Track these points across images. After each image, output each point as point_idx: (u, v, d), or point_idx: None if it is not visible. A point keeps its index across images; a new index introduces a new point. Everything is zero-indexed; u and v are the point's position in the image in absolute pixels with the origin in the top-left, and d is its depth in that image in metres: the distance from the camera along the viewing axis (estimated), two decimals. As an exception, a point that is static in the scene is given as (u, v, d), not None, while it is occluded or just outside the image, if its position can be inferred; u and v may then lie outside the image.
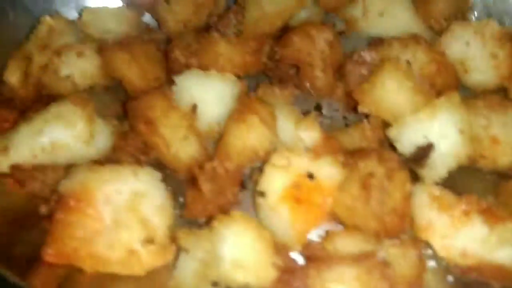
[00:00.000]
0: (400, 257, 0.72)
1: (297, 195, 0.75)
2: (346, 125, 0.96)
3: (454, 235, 0.72)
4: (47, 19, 0.98)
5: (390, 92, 0.82)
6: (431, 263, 0.77)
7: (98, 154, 0.90)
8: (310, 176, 0.75)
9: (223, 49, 0.93)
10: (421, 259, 0.73)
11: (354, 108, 0.97)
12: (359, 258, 0.65)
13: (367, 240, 0.73)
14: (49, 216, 0.82)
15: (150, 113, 0.86)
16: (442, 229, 0.73)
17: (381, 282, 0.63)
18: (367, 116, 0.91)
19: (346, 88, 0.96)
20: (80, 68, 0.96)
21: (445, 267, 0.77)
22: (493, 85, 0.95)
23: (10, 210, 0.85)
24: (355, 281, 0.63)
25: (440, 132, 0.79)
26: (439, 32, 1.02)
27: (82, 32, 1.03)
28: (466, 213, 0.71)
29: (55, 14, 1.02)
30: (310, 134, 0.83)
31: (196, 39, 0.97)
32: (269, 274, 0.64)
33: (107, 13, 1.03)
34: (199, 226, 0.80)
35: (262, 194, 0.77)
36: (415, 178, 0.82)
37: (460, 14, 1.02)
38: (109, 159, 0.89)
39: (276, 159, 0.78)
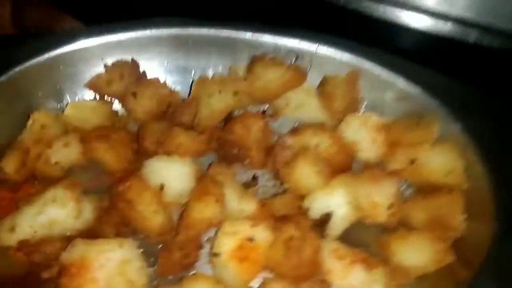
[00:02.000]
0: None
1: (241, 255, 1.06)
2: (276, 192, 1.30)
3: (345, 277, 1.06)
4: (40, 116, 1.22)
5: (304, 175, 1.17)
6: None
7: (84, 225, 1.15)
8: (250, 239, 1.07)
9: (183, 140, 1.22)
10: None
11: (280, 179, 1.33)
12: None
13: (292, 284, 1.06)
14: (50, 280, 1.08)
15: (128, 194, 1.13)
16: (339, 273, 1.07)
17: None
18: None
19: (274, 165, 1.30)
20: (66, 155, 1.21)
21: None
22: (376, 161, 1.33)
23: (15, 276, 1.08)
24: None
25: (337, 203, 1.15)
26: (338, 121, 1.40)
27: (65, 123, 1.28)
28: (353, 262, 1.06)
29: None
30: (249, 206, 1.16)
31: (161, 131, 1.26)
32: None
33: (86, 107, 1.29)
34: (168, 281, 1.09)
35: (216, 254, 1.08)
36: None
37: (353, 106, 1.41)
38: (95, 230, 1.15)
39: (226, 227, 1.10)
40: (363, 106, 1.41)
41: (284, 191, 1.28)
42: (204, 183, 1.14)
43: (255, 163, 1.32)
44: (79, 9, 1.46)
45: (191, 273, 1.11)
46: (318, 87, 1.42)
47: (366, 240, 1.19)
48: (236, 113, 1.39)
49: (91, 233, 1.14)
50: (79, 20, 1.43)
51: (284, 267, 1.06)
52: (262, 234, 1.09)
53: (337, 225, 1.15)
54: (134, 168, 1.25)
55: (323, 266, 1.09)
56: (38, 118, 1.22)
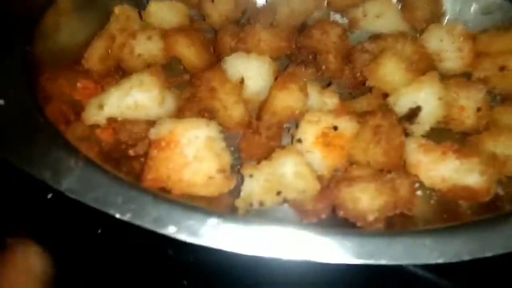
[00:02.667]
0: (399, 184, 1.02)
1: (326, 141, 1.04)
2: (353, 98, 1.27)
3: (435, 168, 1.02)
4: (125, 9, 1.23)
5: (389, 71, 1.13)
6: (418, 192, 1.08)
7: (166, 113, 1.16)
8: (335, 128, 1.05)
9: (264, 36, 1.22)
10: (413, 186, 1.04)
11: (357, 86, 1.29)
12: (376, 178, 0.94)
13: (376, 174, 1.03)
14: (136, 157, 1.10)
15: (212, 83, 1.13)
16: (428, 165, 1.04)
17: (390, 192, 0.93)
18: (370, 90, 1.22)
19: (352, 70, 1.27)
20: (149, 48, 1.22)
21: (428, 194, 1.08)
22: (460, 71, 1.28)
23: (101, 152, 1.10)
24: (374, 191, 0.92)
25: (425, 98, 1.10)
26: (419, 31, 1.36)
27: (144, 20, 1.29)
28: (444, 153, 1.02)
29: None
30: (331, 100, 1.13)
31: (241, 29, 1.25)
32: (316, 185, 0.94)
33: (166, 6, 1.30)
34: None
35: (299, 140, 1.06)
36: (406, 134, 1.13)
37: (435, 18, 1.36)
38: (177, 117, 1.16)
39: (310, 116, 1.08)
40: (445, 20, 1.36)
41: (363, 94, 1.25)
42: (285, 75, 1.12)
43: (332, 69, 1.28)
44: None
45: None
46: (397, -3, 1.39)
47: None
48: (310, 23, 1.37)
49: (173, 120, 1.15)
50: None
51: (370, 155, 1.03)
52: (346, 124, 1.06)
53: (424, 121, 1.11)
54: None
55: (408, 160, 1.06)
56: (123, 10, 1.23)
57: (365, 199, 0.93)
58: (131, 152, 1.08)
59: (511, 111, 1.14)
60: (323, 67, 1.29)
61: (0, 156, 0.89)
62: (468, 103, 1.15)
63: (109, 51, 1.19)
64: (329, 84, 1.30)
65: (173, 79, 1.25)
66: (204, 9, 1.34)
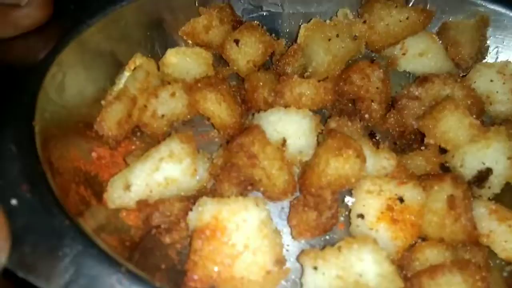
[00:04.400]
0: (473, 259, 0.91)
1: (393, 216, 0.91)
2: (401, 151, 1.14)
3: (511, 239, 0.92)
4: (144, 62, 1.06)
5: (452, 127, 1.01)
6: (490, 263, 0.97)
7: (199, 185, 1.01)
8: (401, 199, 0.92)
9: (305, 89, 1.07)
10: (488, 261, 0.93)
11: (404, 135, 1.17)
12: (461, 266, 0.82)
13: (447, 249, 0.91)
14: (172, 244, 0.94)
15: (252, 149, 0.98)
16: (502, 236, 0.93)
17: (480, 282, 0.81)
18: (423, 142, 1.10)
19: (399, 118, 1.14)
20: (172, 107, 1.06)
21: (500, 265, 0.97)
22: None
23: (131, 241, 0.94)
24: (464, 284, 0.80)
25: (493, 158, 0.99)
26: (464, 69, 1.24)
27: (164, 72, 1.12)
28: (519, 223, 0.92)
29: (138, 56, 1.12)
30: (389, 162, 1.00)
31: (273, 81, 1.10)
32: (400, 283, 0.81)
33: (188, 54, 1.13)
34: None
35: (361, 216, 0.93)
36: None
37: (480, 55, 1.24)
38: (213, 189, 1.00)
39: (369, 185, 0.95)
40: (489, 54, 1.25)
41: (410, 148, 1.13)
42: (338, 137, 0.98)
43: (375, 117, 1.15)
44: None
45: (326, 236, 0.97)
46: (437, 33, 1.26)
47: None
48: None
49: (209, 194, 0.99)
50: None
51: (446, 231, 0.91)
52: (412, 193, 0.93)
53: (494, 184, 1.00)
54: (242, 123, 1.11)
55: (480, 229, 0.95)
56: (141, 65, 1.06)
57: (454, 294, 0.81)
58: (167, 239, 0.92)
59: None
60: (366, 115, 1.16)
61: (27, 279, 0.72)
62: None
63: (129, 114, 1.02)
64: (371, 135, 1.18)
65: (200, 139, 1.10)
66: (228, 54, 1.18)
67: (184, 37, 1.21)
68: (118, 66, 1.13)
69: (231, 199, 0.89)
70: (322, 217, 0.93)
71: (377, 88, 1.15)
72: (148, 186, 0.93)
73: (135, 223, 0.95)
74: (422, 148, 1.08)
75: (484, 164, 0.99)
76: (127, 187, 0.92)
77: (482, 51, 1.24)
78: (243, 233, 0.85)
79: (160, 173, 0.94)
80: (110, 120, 1.02)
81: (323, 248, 0.88)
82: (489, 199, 1.01)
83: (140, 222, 0.94)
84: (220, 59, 1.23)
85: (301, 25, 1.22)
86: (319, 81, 1.10)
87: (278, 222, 1.02)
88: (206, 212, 0.87)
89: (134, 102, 1.02)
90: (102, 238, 0.85)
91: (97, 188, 0.96)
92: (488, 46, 1.25)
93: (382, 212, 0.92)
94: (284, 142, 1.03)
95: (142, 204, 0.92)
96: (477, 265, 0.85)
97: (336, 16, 1.25)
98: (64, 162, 0.93)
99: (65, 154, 0.95)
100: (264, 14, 1.31)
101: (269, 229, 0.88)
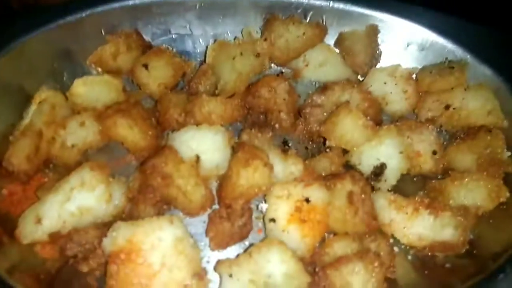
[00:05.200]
0: (378, 248, 1.00)
1: (301, 217, 0.98)
2: (312, 154, 1.22)
3: (411, 225, 1.01)
4: (48, 95, 1.06)
5: (347, 130, 1.10)
6: (395, 249, 1.06)
7: (116, 210, 1.02)
8: (307, 200, 0.99)
9: (214, 107, 1.12)
10: (391, 247, 1.02)
11: (312, 140, 1.25)
12: (361, 255, 0.90)
13: (353, 241, 0.99)
14: (90, 272, 0.94)
15: (165, 169, 1.01)
16: (402, 223, 1.02)
17: (379, 268, 0.90)
18: (325, 145, 1.19)
19: (306, 125, 1.22)
20: (83, 136, 1.07)
21: (405, 250, 1.07)
22: (407, 112, 1.29)
23: (48, 273, 0.93)
24: (364, 271, 0.88)
25: (387, 154, 1.10)
26: (362, 75, 1.36)
27: (73, 102, 1.13)
28: (416, 210, 1.01)
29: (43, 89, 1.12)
30: (296, 167, 1.07)
31: (184, 101, 1.15)
32: (307, 278, 0.87)
33: (95, 83, 1.15)
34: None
35: (272, 220, 0.99)
36: (372, 189, 1.11)
37: (374, 60, 1.36)
38: (131, 213, 1.02)
39: (278, 191, 1.01)
40: (380, 59, 1.38)
41: (319, 151, 1.22)
42: (246, 149, 1.04)
43: (285, 126, 1.23)
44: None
45: (245, 243, 1.02)
46: (335, 44, 1.37)
47: (412, 189, 1.15)
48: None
49: (126, 217, 1.01)
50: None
51: (348, 224, 0.99)
52: (317, 193, 1.01)
53: (390, 177, 1.10)
54: (158, 144, 1.14)
55: (381, 219, 1.04)
56: (47, 98, 1.06)
57: (357, 282, 0.88)
58: (84, 267, 0.92)
59: (465, 149, 1.16)
60: (276, 125, 1.23)
61: None
62: (424, 147, 1.16)
63: (37, 148, 1.02)
64: (284, 142, 1.25)
65: (114, 164, 1.11)
66: (139, 78, 1.21)
67: (93, 65, 1.23)
68: (26, 100, 1.12)
69: (145, 220, 0.91)
70: (235, 226, 0.98)
71: (283, 99, 1.22)
72: (60, 217, 0.94)
73: (51, 255, 0.94)
74: (327, 150, 1.17)
75: (379, 160, 1.10)
76: (39, 220, 0.92)
77: (375, 57, 1.36)
78: (159, 252, 0.88)
79: (72, 203, 0.95)
80: (19, 155, 1.01)
81: (241, 255, 0.93)
82: (388, 190, 1.11)
83: (57, 253, 0.94)
84: (133, 84, 1.26)
85: (208, 46, 1.29)
86: (227, 98, 1.16)
87: (202, 235, 1.05)
88: (120, 236, 0.89)
89: (41, 135, 1.02)
90: (17, 278, 0.85)
91: (10, 226, 0.95)
92: (381, 52, 1.38)
93: (291, 214, 0.98)
94: (197, 158, 1.07)
95: (56, 235, 0.92)
96: (376, 253, 0.93)
97: (241, 35, 1.33)
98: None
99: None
100: (173, 37, 1.36)
101: (185, 244, 0.91)
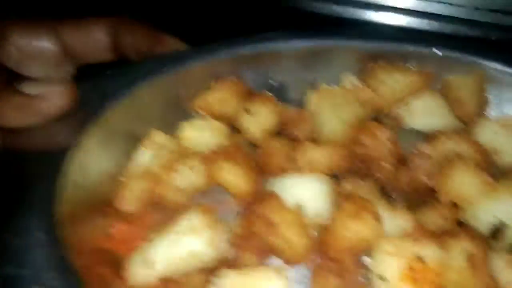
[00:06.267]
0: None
1: (414, 276, 0.92)
2: (416, 207, 1.16)
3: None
4: (160, 138, 1.12)
5: (465, 185, 1.04)
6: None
7: (220, 255, 1.03)
8: (420, 258, 0.94)
9: (319, 155, 1.12)
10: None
11: (417, 192, 1.19)
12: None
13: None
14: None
15: (269, 216, 1.01)
16: (523, 286, 0.93)
17: None
18: (433, 198, 1.12)
19: (413, 176, 1.17)
20: (192, 179, 1.11)
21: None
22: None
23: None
24: None
25: (506, 211, 1.01)
26: (468, 124, 1.29)
27: (181, 145, 1.18)
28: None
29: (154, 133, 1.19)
30: (406, 221, 1.02)
31: (287, 147, 1.16)
32: None
33: (203, 127, 1.20)
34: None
35: (382, 278, 0.94)
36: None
37: (481, 109, 1.29)
38: (234, 260, 1.02)
39: (387, 246, 0.97)
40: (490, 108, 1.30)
41: (425, 204, 1.15)
42: (354, 200, 1.01)
43: (387, 176, 1.19)
44: (180, 30, 1.39)
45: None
46: (440, 91, 1.32)
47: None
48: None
49: (228, 263, 1.01)
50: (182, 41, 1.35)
51: (466, 286, 0.91)
52: (430, 251, 0.95)
53: (509, 236, 1.01)
54: (259, 189, 1.15)
55: (499, 280, 0.95)
56: (159, 141, 1.12)
57: None
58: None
59: None
60: (378, 174, 1.19)
61: None
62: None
63: (149, 190, 1.07)
64: (384, 192, 1.20)
65: (218, 209, 1.13)
66: (241, 123, 1.24)
67: (198, 110, 1.29)
68: (135, 142, 1.19)
69: (254, 270, 0.92)
70: (345, 282, 0.94)
71: (386, 147, 1.19)
72: (170, 262, 0.96)
73: (159, 301, 0.96)
74: (436, 204, 1.11)
75: (496, 217, 1.01)
76: (151, 263, 0.95)
77: (483, 106, 1.29)
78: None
79: (181, 248, 0.97)
80: (131, 196, 1.06)
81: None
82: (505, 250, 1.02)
83: (164, 299, 0.96)
84: (234, 129, 1.30)
85: (309, 92, 1.30)
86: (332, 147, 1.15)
87: (300, 284, 1.02)
88: (228, 285, 0.89)
89: (155, 178, 1.07)
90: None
91: (117, 265, 0.98)
92: (489, 101, 1.31)
93: (403, 273, 0.93)
94: (299, 206, 1.06)
95: (167, 281, 0.94)
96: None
97: (341, 82, 1.33)
98: (84, 243, 0.96)
99: (85, 235, 0.98)
100: (273, 83, 1.39)
101: (291, 296, 0.90)
